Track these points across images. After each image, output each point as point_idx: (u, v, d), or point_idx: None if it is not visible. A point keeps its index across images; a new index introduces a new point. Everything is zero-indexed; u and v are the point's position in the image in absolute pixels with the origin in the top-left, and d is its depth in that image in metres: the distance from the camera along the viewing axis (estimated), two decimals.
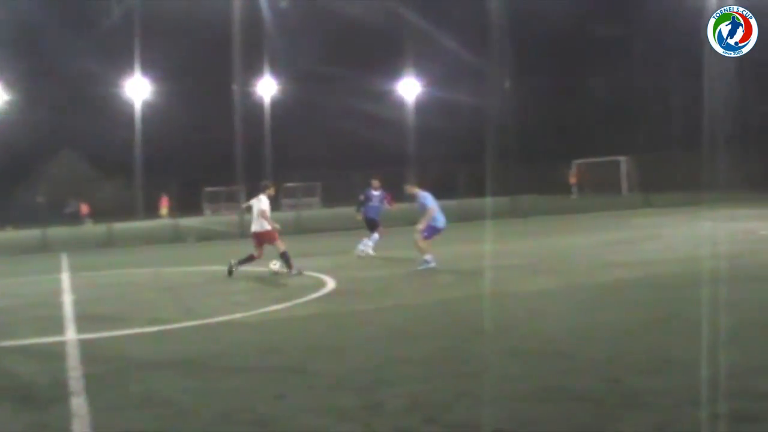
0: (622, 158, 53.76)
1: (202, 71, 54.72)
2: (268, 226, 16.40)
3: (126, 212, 51.44)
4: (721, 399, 6.08)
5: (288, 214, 39.30)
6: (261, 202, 16.52)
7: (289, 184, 56.11)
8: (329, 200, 57.89)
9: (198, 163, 56.13)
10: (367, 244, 19.55)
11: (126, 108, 59.95)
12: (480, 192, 39.02)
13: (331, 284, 14.25)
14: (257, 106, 61.04)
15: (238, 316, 11.30)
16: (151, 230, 36.83)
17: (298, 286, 14.26)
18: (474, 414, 6.24)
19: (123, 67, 58.46)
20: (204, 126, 56.81)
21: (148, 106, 59.72)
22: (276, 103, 63.36)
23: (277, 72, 62.29)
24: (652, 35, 49.28)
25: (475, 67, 58.53)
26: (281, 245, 16.44)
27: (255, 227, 16.58)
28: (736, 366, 7.02)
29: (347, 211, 34.19)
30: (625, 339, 8.53)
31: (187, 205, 48.01)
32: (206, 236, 31.17)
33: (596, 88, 58.75)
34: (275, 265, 16.41)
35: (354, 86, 61.83)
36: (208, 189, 59.81)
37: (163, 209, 51.42)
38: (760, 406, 6.04)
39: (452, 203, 30.27)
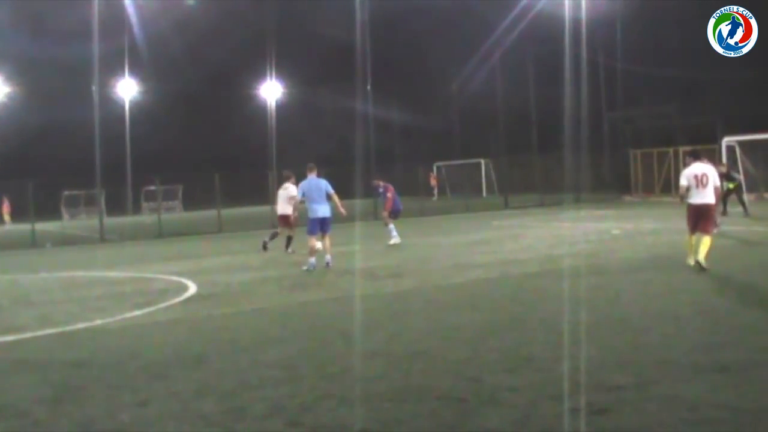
0: (482, 160, 54.94)
1: (61, 71, 52.78)
2: (290, 210, 19.03)
3: None
4: (578, 393, 6.28)
5: (147, 218, 38.52)
6: (289, 190, 19.51)
7: (150, 188, 54.83)
8: (190, 203, 56.87)
9: (56, 165, 54.11)
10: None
11: None
12: (348, 194, 39.11)
13: (192, 288, 14.01)
14: (119, 107, 59.35)
15: (98, 322, 10.97)
16: (4, 237, 35.40)
17: (159, 291, 13.97)
18: (338, 415, 6.26)
19: None
20: (62, 128, 54.83)
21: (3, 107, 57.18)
22: (137, 104, 61.76)
23: (140, 72, 60.75)
24: (514, 42, 50.48)
25: (339, 70, 58.58)
26: (292, 231, 19.68)
27: (281, 210, 19.81)
28: (591, 361, 7.29)
29: (209, 214, 33.82)
30: (485, 338, 8.71)
31: (44, 209, 46.25)
32: (65, 241, 30.18)
33: (457, 91, 59.80)
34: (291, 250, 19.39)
35: (218, 88, 61.04)
36: (67, 192, 57.80)
37: (5, 215, 49.11)
38: (614, 398, 6.26)
39: None
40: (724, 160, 30.22)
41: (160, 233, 30.13)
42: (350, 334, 9.31)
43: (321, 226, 16.14)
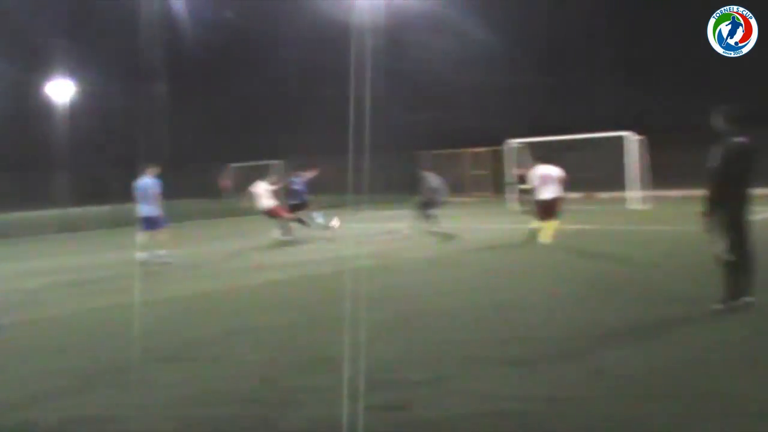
0: (274, 162, 54.84)
1: None
2: (272, 204, 20.57)
3: None
4: (375, 391, 6.38)
5: None
6: (259, 186, 20.93)
7: None
8: None
9: None
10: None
11: None
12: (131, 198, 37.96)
13: None
14: None
15: None
16: None
17: None
18: (135, 424, 6.10)
19: None
20: None
21: None
22: None
23: None
24: (304, 43, 50.74)
25: (128, 70, 56.84)
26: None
27: (267, 205, 20.69)
28: (387, 358, 7.45)
29: None
30: (283, 340, 8.72)
31: None
32: None
33: (249, 93, 59.36)
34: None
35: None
36: None
37: None
38: (410, 394, 6.42)
39: (105, 209, 29.34)
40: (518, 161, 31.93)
41: None
42: (146, 340, 9.03)
43: (148, 224, 16.69)
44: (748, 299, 8.88)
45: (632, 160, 30.14)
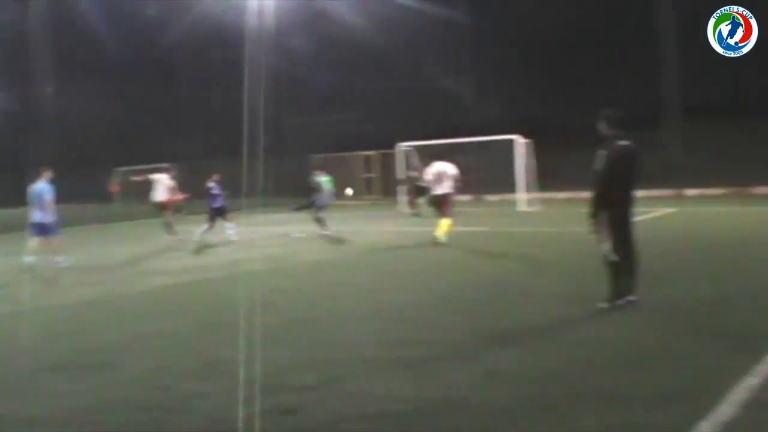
0: (165, 165, 53.91)
1: None
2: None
3: None
4: (267, 395, 6.31)
5: None
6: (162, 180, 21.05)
7: None
8: None
9: None
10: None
11: None
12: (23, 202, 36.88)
13: None
14: None
15: None
16: None
17: None
18: None
19: None
20: None
21: None
22: None
23: None
24: (196, 47, 50.15)
25: (15, 73, 55.05)
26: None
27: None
28: (279, 362, 7.38)
29: None
30: (173, 346, 8.56)
31: None
32: None
33: (141, 96, 58.27)
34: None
35: None
36: None
37: None
38: (302, 397, 6.38)
39: None
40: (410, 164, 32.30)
41: None
42: (34, 349, 8.74)
43: (40, 230, 16.13)
44: (631, 298, 9.15)
45: (520, 162, 30.70)
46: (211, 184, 20.97)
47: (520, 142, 30.70)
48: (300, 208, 20.52)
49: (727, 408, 5.60)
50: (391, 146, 36.68)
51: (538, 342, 8.02)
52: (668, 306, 9.49)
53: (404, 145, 33.80)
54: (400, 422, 5.81)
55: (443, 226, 17.62)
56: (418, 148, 33.03)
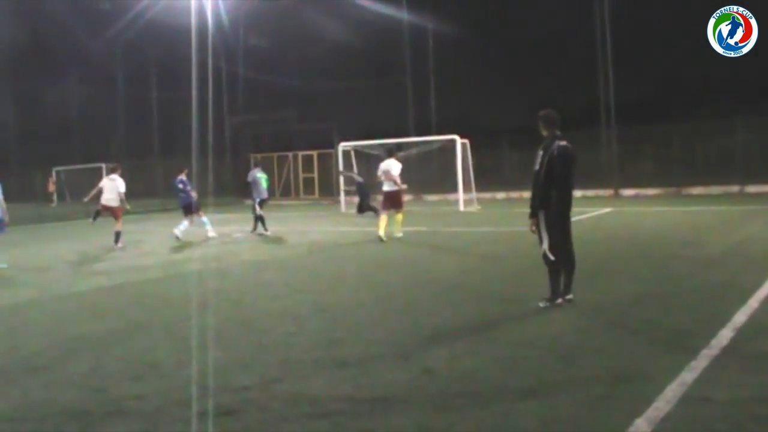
0: (102, 165, 53.20)
1: None
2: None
3: None
4: (205, 396, 6.27)
5: None
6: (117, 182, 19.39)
7: None
8: None
9: None
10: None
11: None
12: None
13: None
14: None
15: None
16: None
17: None
18: None
19: None
20: None
21: None
22: None
23: None
24: (136, 45, 49.65)
25: None
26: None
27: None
28: (217, 363, 7.31)
29: None
30: (109, 347, 8.42)
31: None
32: None
33: (74, 96, 57.42)
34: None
35: None
36: None
37: None
38: (240, 399, 6.32)
39: None
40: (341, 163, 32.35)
41: None
42: None
43: None
44: (568, 297, 9.27)
45: (460, 162, 30.83)
46: (182, 178, 20.87)
47: (458, 141, 30.82)
48: (254, 207, 20.57)
49: (663, 404, 5.70)
50: (332, 146, 36.70)
51: (476, 341, 8.07)
52: (604, 305, 9.64)
53: (345, 145, 33.79)
54: (339, 421, 5.80)
55: (398, 221, 18.89)
56: (357, 148, 33.13)
